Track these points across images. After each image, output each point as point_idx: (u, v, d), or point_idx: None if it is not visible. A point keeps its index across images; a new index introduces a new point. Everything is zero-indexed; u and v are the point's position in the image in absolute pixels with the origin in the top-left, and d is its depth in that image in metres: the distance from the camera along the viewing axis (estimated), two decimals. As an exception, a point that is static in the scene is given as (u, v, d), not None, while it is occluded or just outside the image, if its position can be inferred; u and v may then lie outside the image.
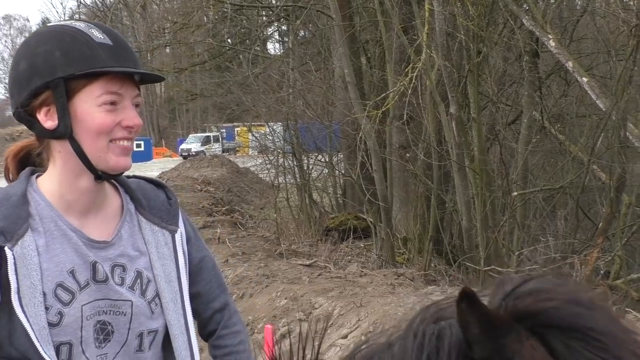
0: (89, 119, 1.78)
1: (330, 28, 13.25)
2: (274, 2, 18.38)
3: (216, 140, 49.96)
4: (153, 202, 2.02)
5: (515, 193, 9.39)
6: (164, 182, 2.17)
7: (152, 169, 39.76)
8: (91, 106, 1.78)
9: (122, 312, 1.87)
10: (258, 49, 19.74)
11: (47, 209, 1.83)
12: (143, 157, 55.61)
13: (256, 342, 7.53)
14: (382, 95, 9.94)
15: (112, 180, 1.97)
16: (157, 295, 1.94)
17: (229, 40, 21.32)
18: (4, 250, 1.72)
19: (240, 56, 17.20)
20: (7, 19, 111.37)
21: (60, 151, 1.82)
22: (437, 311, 0.97)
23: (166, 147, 63.48)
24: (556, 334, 0.89)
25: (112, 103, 1.79)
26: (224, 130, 46.82)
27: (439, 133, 10.79)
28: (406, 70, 8.76)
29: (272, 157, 16.88)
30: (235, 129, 39.53)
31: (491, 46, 10.71)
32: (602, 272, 10.63)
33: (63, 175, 1.84)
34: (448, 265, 11.13)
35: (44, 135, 1.83)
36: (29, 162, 1.93)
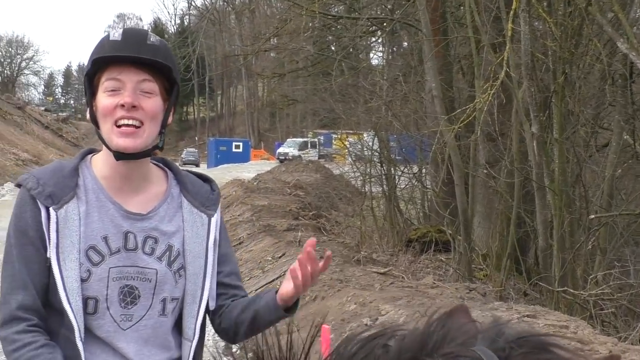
0: (99, 104, 2.14)
1: (422, 42, 13.46)
2: (374, 12, 18.67)
3: (313, 146, 50.45)
4: (198, 189, 2.34)
5: (593, 216, 9.39)
6: (210, 177, 2.47)
7: (248, 170, 40.54)
8: (101, 93, 2.14)
9: (148, 278, 2.17)
10: (361, 57, 20.05)
11: (92, 182, 2.18)
12: (241, 158, 56.83)
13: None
14: (459, 110, 10.10)
15: (165, 168, 2.34)
16: (183, 267, 2.23)
17: (332, 47, 21.71)
18: (49, 211, 2.08)
19: (343, 64, 17.55)
20: (121, 17, 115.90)
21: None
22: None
23: (264, 150, 64.45)
24: None
25: (114, 89, 2.12)
26: (322, 137, 47.33)
27: (523, 152, 10.85)
28: (486, 86, 8.91)
29: (360, 166, 17.14)
30: (333, 136, 39.92)
31: (581, 68, 10.71)
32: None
33: (104, 154, 2.21)
34: (524, 284, 11.16)
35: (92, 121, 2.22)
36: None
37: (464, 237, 11.38)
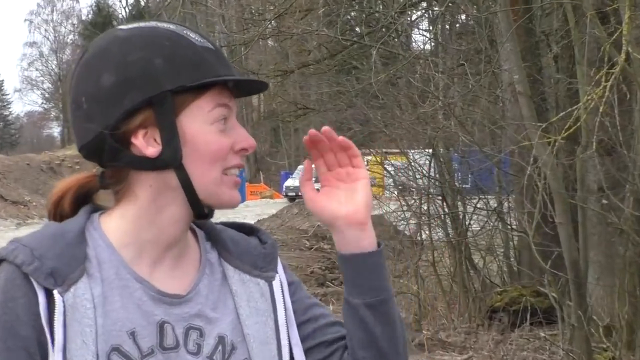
0: (201, 142, 1.98)
1: (495, 14, 13.30)
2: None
3: (337, 174, 50.58)
4: (243, 247, 2.20)
5: None
6: (255, 225, 2.36)
7: (244, 214, 40.41)
8: (202, 125, 1.98)
9: None
10: (396, 41, 19.96)
11: (107, 252, 1.99)
12: (234, 197, 57.23)
13: None
14: (563, 113, 9.88)
15: (192, 225, 2.17)
16: None
17: (357, 29, 21.67)
18: (53, 295, 1.88)
19: (373, 54, 17.45)
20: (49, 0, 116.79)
21: (152, 185, 2.00)
22: None
23: (265, 184, 64.69)
24: None
25: (224, 120, 2.01)
26: (348, 161, 47.33)
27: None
28: (599, 76, 8.66)
29: (412, 201, 16.95)
30: (367, 158, 39.80)
31: None
32: None
33: (145, 211, 2.02)
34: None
35: (136, 165, 1.99)
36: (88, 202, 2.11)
37: (577, 302, 11.14)
